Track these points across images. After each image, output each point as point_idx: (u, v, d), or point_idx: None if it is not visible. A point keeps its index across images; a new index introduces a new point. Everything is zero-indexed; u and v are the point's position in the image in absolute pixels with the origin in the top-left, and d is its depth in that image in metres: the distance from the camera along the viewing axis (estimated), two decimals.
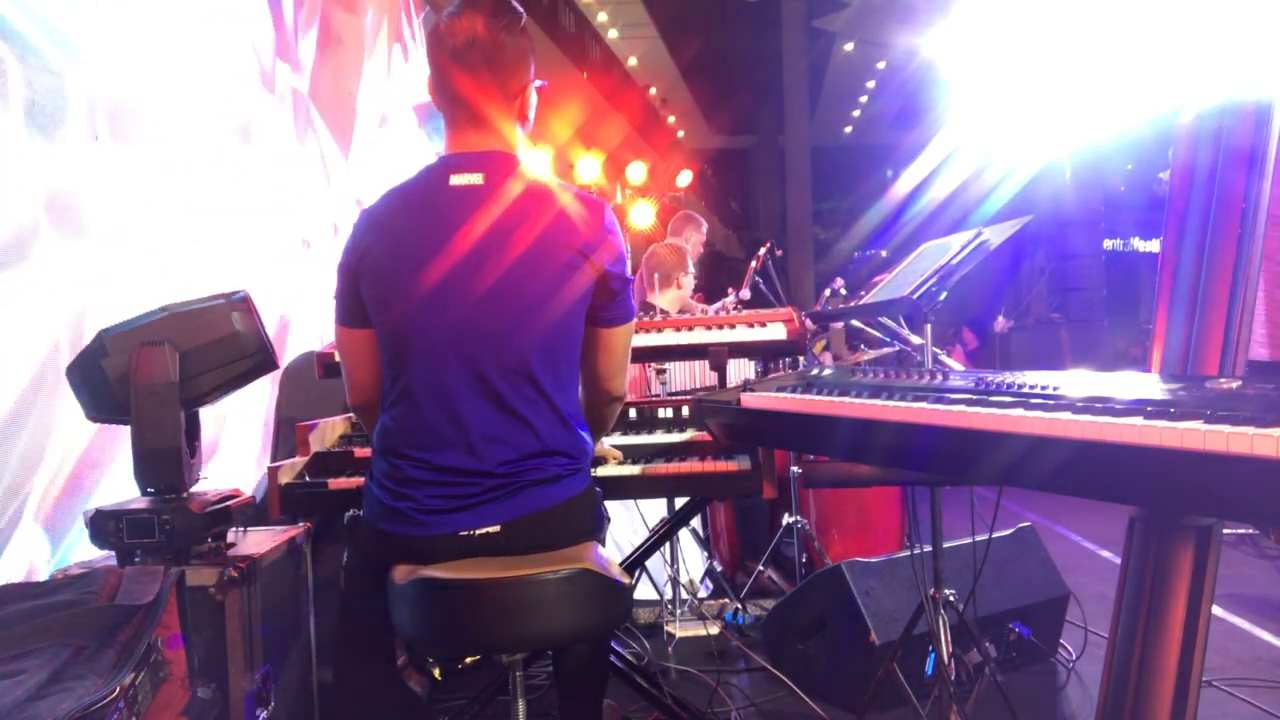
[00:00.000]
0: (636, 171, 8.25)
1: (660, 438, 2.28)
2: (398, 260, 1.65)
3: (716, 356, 2.47)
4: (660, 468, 2.15)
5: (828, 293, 4.34)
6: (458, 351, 1.63)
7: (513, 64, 1.69)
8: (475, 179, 1.66)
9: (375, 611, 1.70)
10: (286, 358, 2.99)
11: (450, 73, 1.68)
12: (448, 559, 1.63)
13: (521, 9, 1.72)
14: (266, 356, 1.98)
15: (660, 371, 3.59)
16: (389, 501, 1.67)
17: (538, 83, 1.77)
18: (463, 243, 1.63)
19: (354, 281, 1.69)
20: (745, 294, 4.94)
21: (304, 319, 3.23)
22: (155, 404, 1.78)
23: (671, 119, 16.60)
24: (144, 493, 1.86)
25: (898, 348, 3.62)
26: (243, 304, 1.94)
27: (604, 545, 1.77)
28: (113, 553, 1.82)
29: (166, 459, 1.81)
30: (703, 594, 3.70)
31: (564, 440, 1.70)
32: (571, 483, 1.70)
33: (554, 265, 1.65)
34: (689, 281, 4.01)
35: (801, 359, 3.27)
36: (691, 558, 3.84)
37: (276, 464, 2.16)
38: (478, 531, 1.63)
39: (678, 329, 2.56)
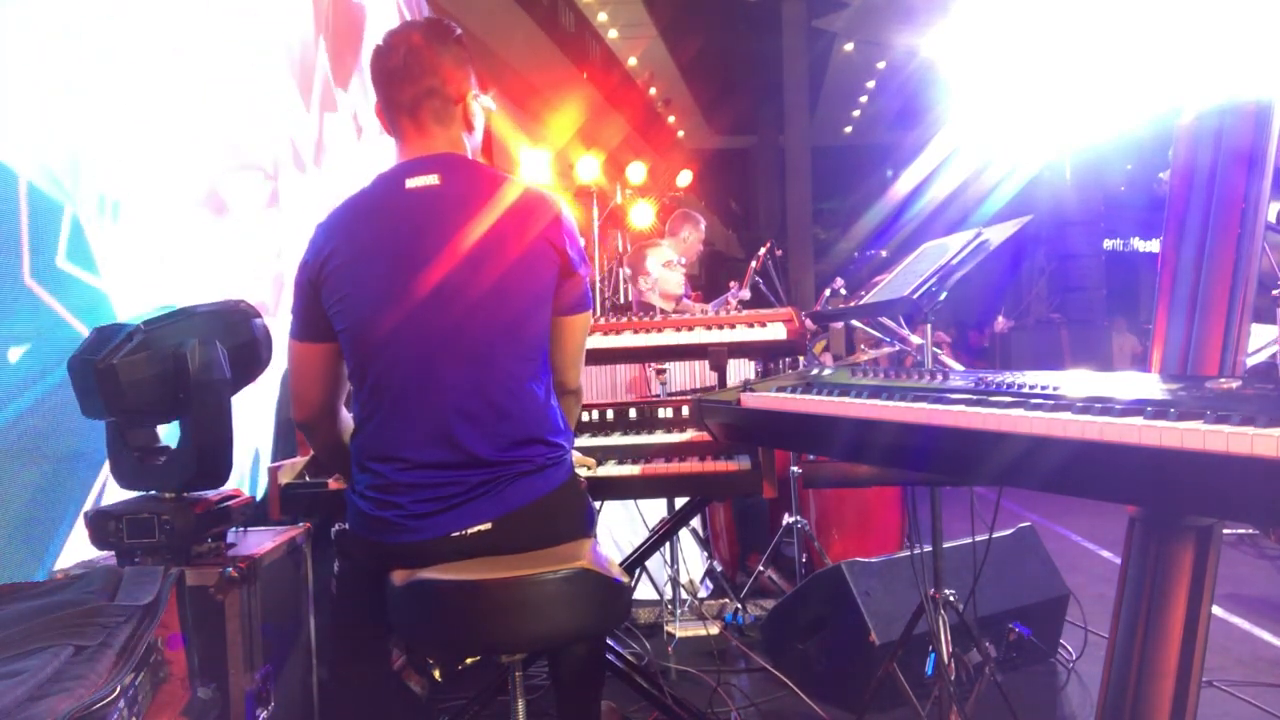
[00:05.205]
0: (636, 171, 8.26)
1: (660, 438, 2.28)
2: (362, 265, 1.65)
3: (716, 356, 2.47)
4: (660, 468, 2.15)
5: (828, 293, 4.34)
6: (431, 347, 1.63)
7: (451, 68, 1.72)
8: (431, 180, 1.67)
9: (370, 616, 1.70)
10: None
11: (393, 85, 1.71)
12: (441, 562, 1.62)
13: (456, 25, 1.76)
14: (265, 366, 1.99)
15: (660, 371, 3.59)
16: (374, 512, 1.67)
17: (483, 99, 1.80)
18: (427, 243, 1.64)
19: (315, 292, 1.69)
20: (745, 294, 4.94)
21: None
22: (214, 400, 1.79)
23: (671, 119, 16.61)
24: (150, 491, 1.86)
25: (898, 348, 3.62)
26: (256, 313, 1.95)
27: (596, 540, 1.77)
28: (113, 553, 1.82)
29: (220, 453, 1.83)
30: (703, 594, 3.69)
31: (544, 428, 1.70)
32: (555, 473, 1.71)
33: (518, 253, 1.66)
34: (651, 280, 3.99)
35: (801, 359, 3.27)
36: (691, 558, 3.84)
37: (276, 464, 2.17)
38: (469, 531, 1.63)
39: (678, 329, 2.56)
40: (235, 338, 1.88)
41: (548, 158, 7.14)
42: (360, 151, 3.74)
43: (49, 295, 1.97)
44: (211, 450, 1.82)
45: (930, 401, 1.39)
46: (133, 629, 1.48)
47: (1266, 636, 3.21)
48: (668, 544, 3.31)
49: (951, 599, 2.28)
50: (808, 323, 2.86)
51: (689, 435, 2.27)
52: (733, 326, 2.54)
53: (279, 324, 2.17)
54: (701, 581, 3.80)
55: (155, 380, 1.74)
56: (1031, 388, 1.33)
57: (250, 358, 1.93)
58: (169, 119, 2.39)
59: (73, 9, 2.06)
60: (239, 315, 1.91)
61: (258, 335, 1.93)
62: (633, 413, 2.40)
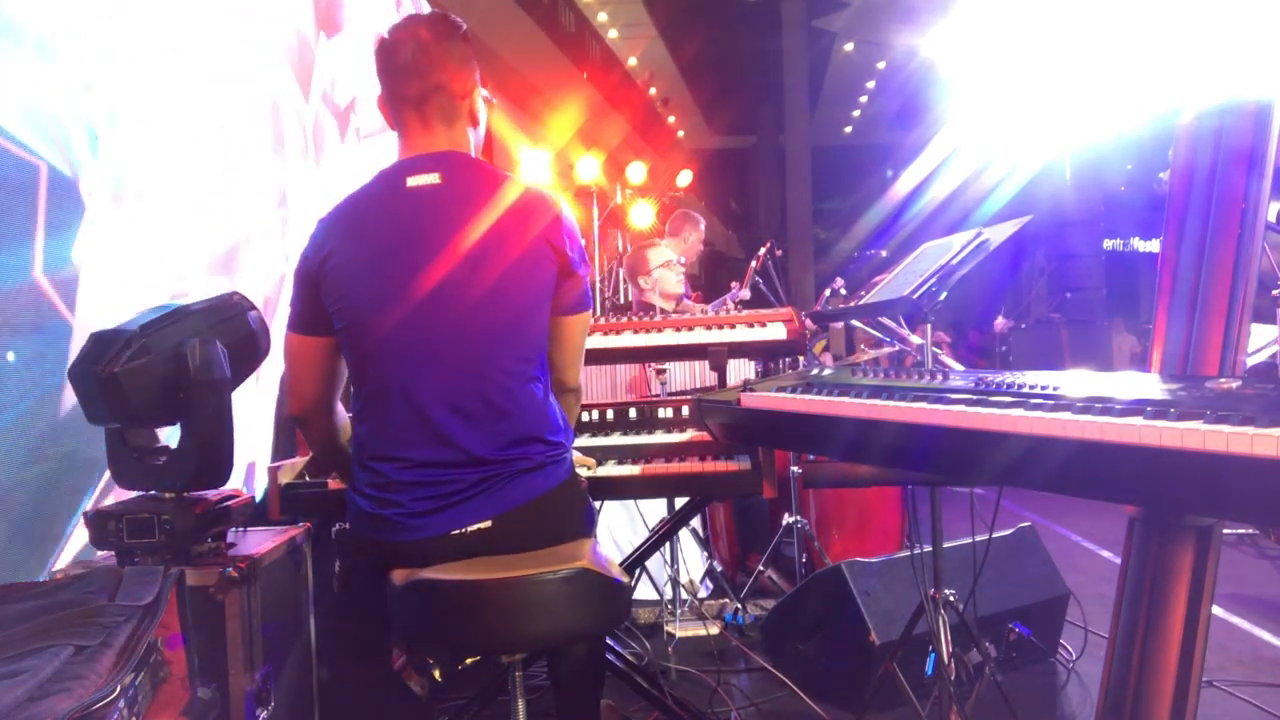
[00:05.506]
0: (636, 171, 8.27)
1: (660, 438, 2.28)
2: (362, 264, 1.65)
3: (716, 356, 2.47)
4: (660, 468, 2.15)
5: (828, 293, 4.34)
6: (430, 347, 1.64)
7: (457, 65, 1.72)
8: (432, 179, 1.67)
9: (371, 615, 1.70)
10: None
11: (399, 80, 1.71)
12: (441, 560, 1.63)
13: (461, 21, 1.75)
14: (264, 356, 1.98)
15: (660, 371, 3.59)
16: (374, 510, 1.67)
17: (484, 92, 1.80)
18: (427, 242, 1.64)
19: (315, 288, 1.69)
20: (745, 294, 4.95)
21: None
22: (215, 399, 1.78)
23: (671, 119, 16.61)
24: (150, 491, 1.86)
25: (898, 348, 3.62)
26: (251, 306, 1.94)
27: (596, 540, 1.78)
28: (113, 553, 1.82)
29: (220, 452, 1.82)
30: (703, 594, 3.69)
31: (544, 426, 1.71)
32: (555, 471, 1.71)
33: (518, 253, 1.66)
34: (651, 280, 4.00)
35: (801, 359, 3.27)
36: (691, 558, 3.84)
37: (276, 464, 2.17)
38: (469, 529, 1.63)
39: (678, 329, 2.56)
40: (233, 333, 1.87)
41: (548, 158, 7.14)
42: (359, 149, 3.75)
43: (54, 293, 1.97)
44: (212, 449, 1.81)
45: (930, 401, 1.39)
46: (133, 629, 1.48)
47: (1266, 636, 3.21)
48: (668, 544, 3.31)
49: (951, 599, 2.28)
50: (808, 323, 2.86)
51: (689, 435, 2.27)
52: (733, 326, 2.54)
53: (282, 322, 2.17)
54: (701, 581, 3.80)
55: (158, 384, 1.73)
56: (1031, 388, 1.33)
57: (248, 352, 1.92)
58: (169, 118, 2.39)
59: (73, 9, 2.06)
60: (234, 309, 1.90)
61: (254, 328, 1.92)
62: (633, 413, 2.40)
